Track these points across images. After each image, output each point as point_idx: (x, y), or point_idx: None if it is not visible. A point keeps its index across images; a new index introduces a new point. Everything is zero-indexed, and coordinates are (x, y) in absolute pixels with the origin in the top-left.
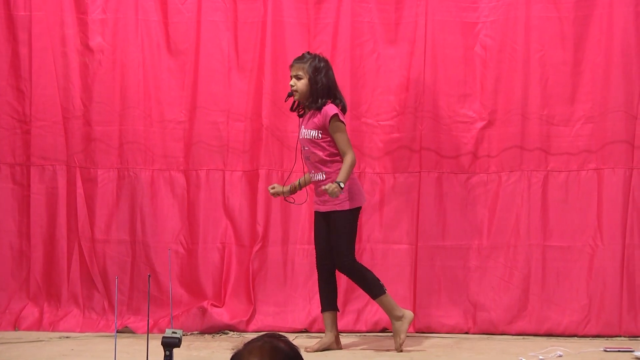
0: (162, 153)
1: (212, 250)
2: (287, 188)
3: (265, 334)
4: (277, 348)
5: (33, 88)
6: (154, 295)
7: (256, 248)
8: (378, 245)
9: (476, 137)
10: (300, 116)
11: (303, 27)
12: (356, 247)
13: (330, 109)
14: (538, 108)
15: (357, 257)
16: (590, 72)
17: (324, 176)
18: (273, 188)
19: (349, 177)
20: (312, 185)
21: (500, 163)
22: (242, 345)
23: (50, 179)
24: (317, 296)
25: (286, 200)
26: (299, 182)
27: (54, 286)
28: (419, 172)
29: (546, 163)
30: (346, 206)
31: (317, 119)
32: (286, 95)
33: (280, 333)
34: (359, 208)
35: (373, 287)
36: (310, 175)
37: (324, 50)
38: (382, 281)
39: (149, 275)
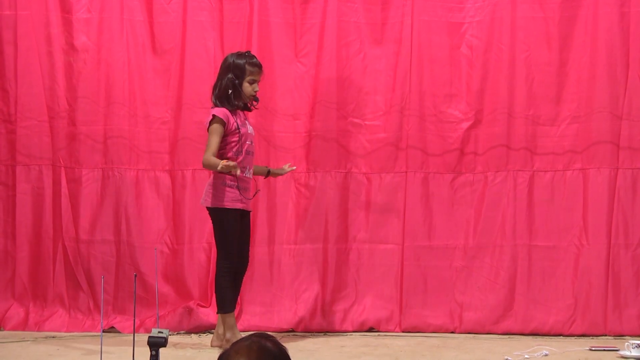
0: (147, 153)
1: (199, 250)
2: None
3: (254, 334)
4: (265, 348)
5: (18, 87)
6: (140, 295)
7: None
8: (364, 245)
9: (462, 137)
10: (234, 108)
11: (289, 27)
12: (342, 246)
13: None
14: (524, 108)
15: (343, 257)
16: (576, 72)
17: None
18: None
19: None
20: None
21: (486, 163)
22: (229, 345)
23: (36, 178)
24: (304, 296)
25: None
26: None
27: (40, 286)
28: (405, 172)
29: (532, 163)
30: None
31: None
32: (254, 100)
33: (269, 333)
34: None
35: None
36: (250, 171)
37: (310, 50)
38: (369, 281)
39: (135, 275)
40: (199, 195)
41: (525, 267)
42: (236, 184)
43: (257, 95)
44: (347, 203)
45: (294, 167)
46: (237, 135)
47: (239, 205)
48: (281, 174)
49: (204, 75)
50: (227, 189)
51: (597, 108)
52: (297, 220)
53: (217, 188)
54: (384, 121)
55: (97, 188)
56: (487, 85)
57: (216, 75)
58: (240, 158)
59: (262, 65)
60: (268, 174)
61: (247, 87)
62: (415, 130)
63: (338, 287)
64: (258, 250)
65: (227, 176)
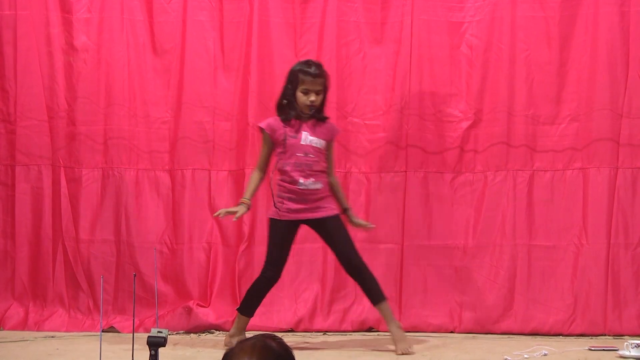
0: (147, 152)
1: (198, 250)
2: (244, 207)
3: (260, 334)
4: (268, 347)
5: (18, 87)
6: (139, 295)
7: (242, 248)
8: (364, 245)
9: (462, 136)
10: (287, 118)
11: (289, 27)
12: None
13: (334, 124)
14: (524, 107)
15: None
16: (576, 71)
17: (321, 185)
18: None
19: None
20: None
21: (486, 162)
22: (235, 343)
23: (35, 178)
24: (303, 295)
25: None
26: (251, 194)
27: (39, 286)
28: (405, 171)
29: (532, 162)
30: (337, 210)
31: (324, 131)
32: (307, 110)
33: (274, 334)
34: None
35: (377, 292)
36: (304, 182)
37: (310, 50)
38: None
39: (135, 275)
40: (198, 195)
41: (525, 266)
42: (284, 194)
43: (312, 106)
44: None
45: (373, 226)
46: (283, 146)
47: (284, 216)
48: (355, 223)
49: (204, 75)
50: (276, 199)
51: (597, 107)
52: None
53: (272, 198)
54: (383, 120)
55: (97, 188)
56: (487, 84)
57: (216, 74)
58: (289, 170)
59: (315, 76)
60: (344, 212)
61: (300, 97)
62: (415, 130)
63: (337, 287)
64: (257, 250)
65: (278, 187)
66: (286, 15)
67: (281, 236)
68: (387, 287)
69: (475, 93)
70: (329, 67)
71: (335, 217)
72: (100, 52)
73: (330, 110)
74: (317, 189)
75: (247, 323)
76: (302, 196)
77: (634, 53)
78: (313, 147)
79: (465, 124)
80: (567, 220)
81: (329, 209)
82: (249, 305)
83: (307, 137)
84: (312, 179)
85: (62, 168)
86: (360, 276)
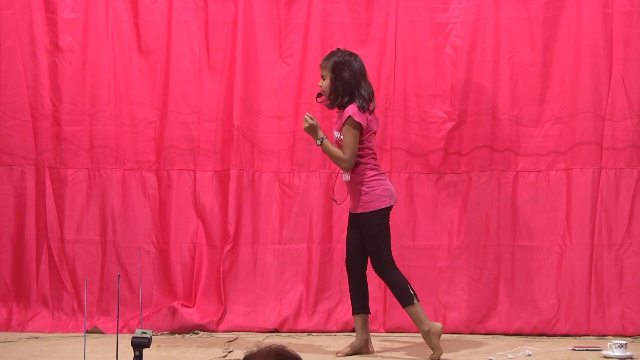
0: (133, 153)
1: (183, 250)
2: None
3: (274, 345)
4: (285, 353)
5: (1, 88)
6: (125, 295)
7: (227, 248)
8: None
9: (446, 137)
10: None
11: (274, 28)
12: (326, 247)
13: (348, 110)
14: (507, 108)
15: (328, 257)
16: (560, 72)
17: (349, 177)
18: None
19: (327, 151)
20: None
21: (470, 163)
22: (255, 348)
23: (19, 179)
24: (288, 296)
25: (330, 198)
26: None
27: (23, 287)
28: (390, 172)
29: (515, 163)
30: (371, 207)
31: (340, 121)
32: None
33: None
34: (388, 208)
35: (401, 296)
36: (343, 175)
37: (294, 51)
38: None
39: (119, 276)
40: (184, 195)
41: (508, 267)
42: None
43: (320, 91)
44: (331, 203)
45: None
46: None
47: (349, 208)
48: None
49: (189, 76)
50: None
51: (581, 109)
52: (282, 221)
53: None
54: None
55: (83, 188)
56: (471, 85)
57: (201, 75)
58: None
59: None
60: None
61: None
62: (399, 131)
63: (322, 288)
64: (242, 250)
65: None
66: (271, 16)
67: (347, 226)
68: (371, 287)
69: (459, 94)
70: (314, 68)
71: (362, 215)
72: (86, 52)
73: (314, 111)
74: (346, 182)
75: (356, 321)
76: (347, 189)
77: (617, 55)
78: (337, 141)
79: (449, 125)
80: (551, 220)
81: (358, 206)
82: (351, 302)
83: (335, 132)
84: (341, 171)
85: (46, 168)
86: (362, 278)
